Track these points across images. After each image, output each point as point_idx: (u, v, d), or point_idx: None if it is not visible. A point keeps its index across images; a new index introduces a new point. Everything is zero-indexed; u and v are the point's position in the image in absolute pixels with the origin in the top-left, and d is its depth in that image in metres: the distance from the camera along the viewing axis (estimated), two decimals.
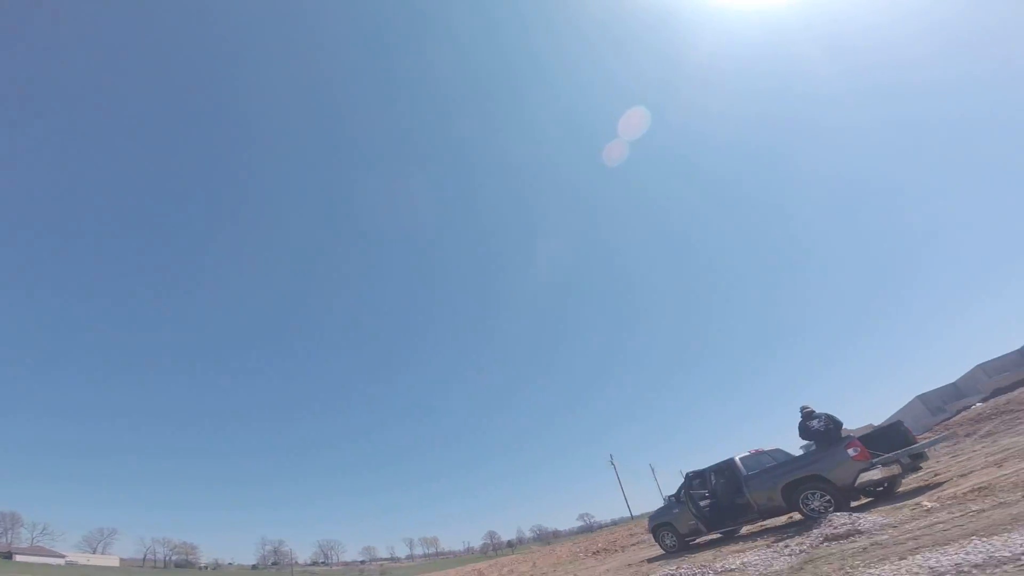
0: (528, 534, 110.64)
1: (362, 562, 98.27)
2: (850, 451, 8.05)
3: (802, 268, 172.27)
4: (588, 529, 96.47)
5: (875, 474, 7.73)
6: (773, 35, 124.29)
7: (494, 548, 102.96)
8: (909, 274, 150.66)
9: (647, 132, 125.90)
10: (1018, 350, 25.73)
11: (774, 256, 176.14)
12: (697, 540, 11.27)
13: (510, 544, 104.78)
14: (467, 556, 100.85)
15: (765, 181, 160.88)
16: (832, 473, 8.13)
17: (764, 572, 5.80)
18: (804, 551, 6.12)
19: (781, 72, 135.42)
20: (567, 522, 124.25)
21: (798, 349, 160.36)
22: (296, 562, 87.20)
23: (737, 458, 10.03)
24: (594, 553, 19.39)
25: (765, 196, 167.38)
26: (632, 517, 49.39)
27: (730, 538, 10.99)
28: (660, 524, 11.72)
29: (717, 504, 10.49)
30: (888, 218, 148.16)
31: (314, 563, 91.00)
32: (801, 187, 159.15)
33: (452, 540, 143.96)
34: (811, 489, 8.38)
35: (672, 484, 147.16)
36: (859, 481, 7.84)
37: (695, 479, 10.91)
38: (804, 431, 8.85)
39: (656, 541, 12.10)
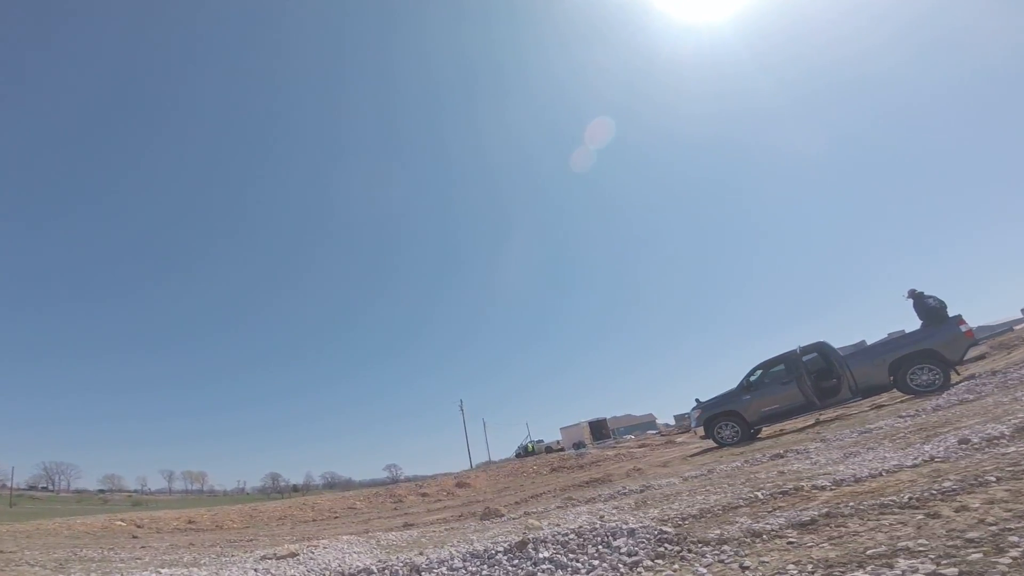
0: (318, 480, 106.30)
1: (102, 491, 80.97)
2: (962, 327, 8.46)
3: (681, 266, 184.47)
4: (394, 481, 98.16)
5: (981, 348, 8.75)
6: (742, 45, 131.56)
7: (277, 490, 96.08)
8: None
9: (612, 140, 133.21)
10: None
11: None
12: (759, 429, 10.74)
13: (296, 488, 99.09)
14: (241, 496, 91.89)
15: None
16: (945, 347, 8.39)
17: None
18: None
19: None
20: (365, 473, 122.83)
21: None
22: (8, 485, 67.93)
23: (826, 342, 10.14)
24: (552, 470, 21.43)
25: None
26: (472, 467, 53.15)
27: (755, 439, 10.46)
28: (719, 414, 10.62)
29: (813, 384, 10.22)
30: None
31: (33, 487, 71.58)
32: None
33: (224, 478, 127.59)
34: (920, 364, 8.47)
35: (509, 439, 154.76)
36: (965, 356, 8.37)
37: (759, 368, 10.68)
38: (921, 307, 9.05)
39: (708, 434, 11.04)
